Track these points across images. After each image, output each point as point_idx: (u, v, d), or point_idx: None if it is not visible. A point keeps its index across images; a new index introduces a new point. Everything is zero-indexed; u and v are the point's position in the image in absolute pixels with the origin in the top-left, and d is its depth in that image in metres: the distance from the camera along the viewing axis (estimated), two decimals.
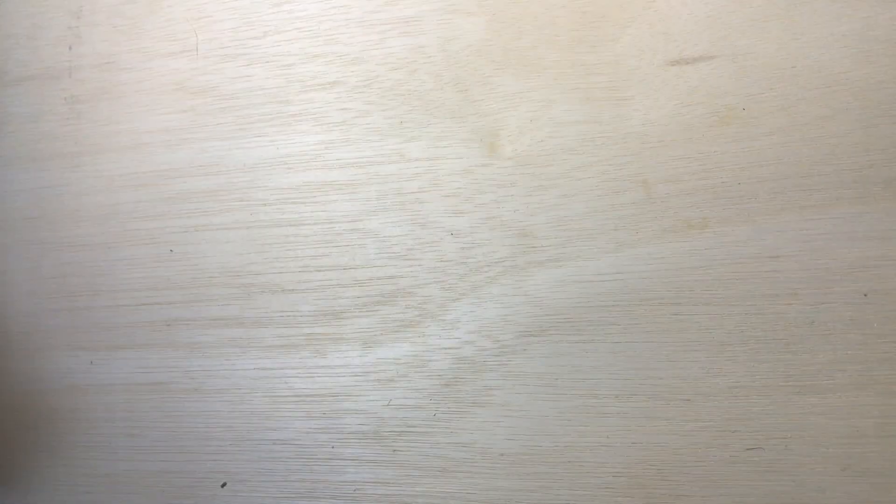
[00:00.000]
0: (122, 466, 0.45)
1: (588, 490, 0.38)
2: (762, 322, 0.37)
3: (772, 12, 0.37)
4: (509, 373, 0.39)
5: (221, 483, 0.43)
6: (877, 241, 0.36)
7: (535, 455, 0.39)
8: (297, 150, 0.43)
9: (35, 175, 0.46)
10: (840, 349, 0.36)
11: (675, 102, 0.38)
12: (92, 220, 0.45)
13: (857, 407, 0.36)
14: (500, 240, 0.40)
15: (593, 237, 0.39)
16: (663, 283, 0.38)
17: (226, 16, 0.44)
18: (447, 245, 0.40)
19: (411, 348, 0.41)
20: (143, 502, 0.44)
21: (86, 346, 0.45)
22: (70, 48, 0.46)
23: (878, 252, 0.36)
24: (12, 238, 0.46)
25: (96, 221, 0.45)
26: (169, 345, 0.44)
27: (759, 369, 0.37)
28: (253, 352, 0.42)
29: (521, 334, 0.39)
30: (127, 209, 0.45)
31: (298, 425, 0.42)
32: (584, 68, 0.39)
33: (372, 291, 0.41)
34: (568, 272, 0.39)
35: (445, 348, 0.40)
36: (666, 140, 0.38)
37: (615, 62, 0.39)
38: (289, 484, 0.42)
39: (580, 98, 0.39)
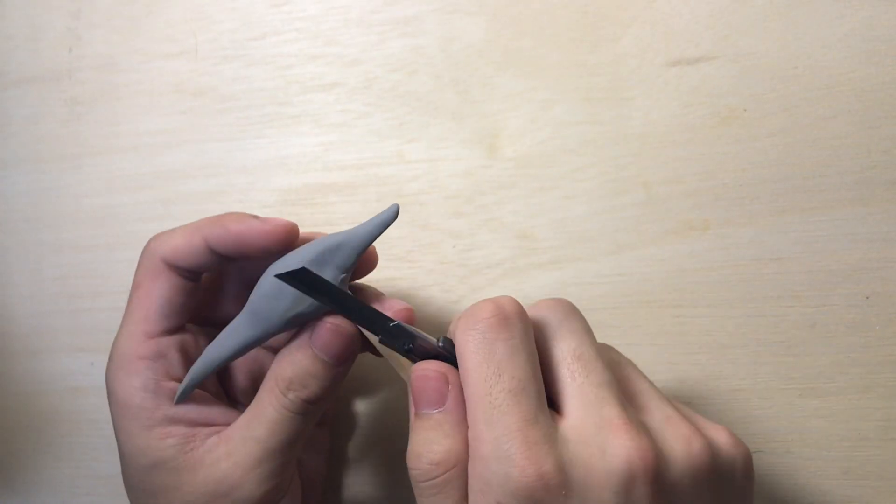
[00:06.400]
0: None
1: None
2: (764, 324, 0.37)
3: (773, 12, 0.37)
4: None
5: None
6: (879, 242, 0.36)
7: None
8: (296, 151, 0.42)
9: (35, 177, 0.46)
10: (842, 352, 0.36)
11: (676, 103, 0.38)
12: (92, 222, 0.45)
13: (859, 410, 0.36)
14: (500, 241, 0.40)
15: (594, 239, 0.39)
16: (664, 285, 0.38)
17: (225, 17, 0.44)
18: (447, 247, 0.40)
19: None
20: None
21: (87, 347, 0.45)
22: (70, 50, 0.45)
23: (880, 254, 0.36)
24: (13, 240, 0.46)
25: (97, 223, 0.45)
26: None
27: (761, 372, 0.37)
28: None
29: None
30: (127, 210, 0.45)
31: None
32: (584, 68, 0.39)
33: None
34: (568, 274, 0.39)
35: None
36: (667, 141, 0.38)
37: (616, 62, 0.39)
38: None
39: (581, 98, 0.39)
